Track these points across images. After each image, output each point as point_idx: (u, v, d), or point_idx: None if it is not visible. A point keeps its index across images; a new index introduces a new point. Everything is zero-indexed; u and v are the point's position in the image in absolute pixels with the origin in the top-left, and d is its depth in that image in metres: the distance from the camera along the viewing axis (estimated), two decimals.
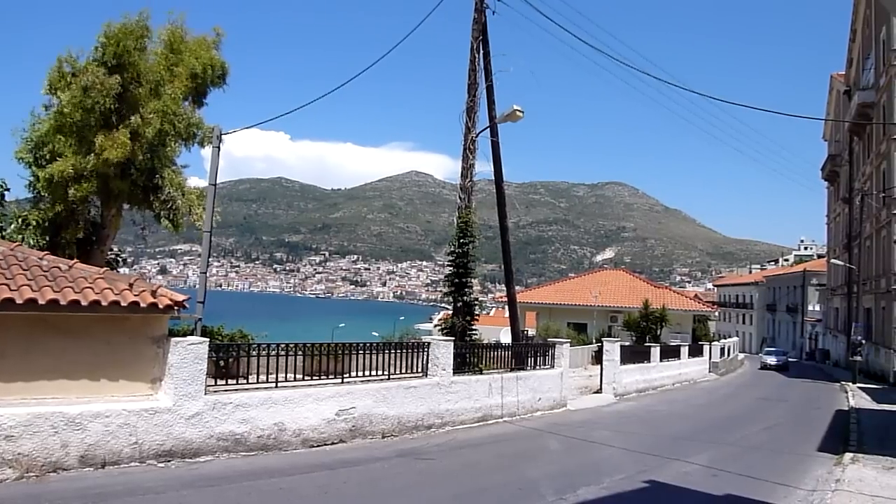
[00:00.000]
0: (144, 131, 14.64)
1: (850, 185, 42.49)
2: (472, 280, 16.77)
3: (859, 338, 31.13)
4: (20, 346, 7.67)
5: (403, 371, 11.91)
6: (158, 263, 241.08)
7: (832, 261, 47.70)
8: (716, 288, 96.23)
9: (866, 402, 21.63)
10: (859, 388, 26.79)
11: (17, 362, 7.62)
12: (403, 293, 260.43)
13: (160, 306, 8.45)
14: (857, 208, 38.58)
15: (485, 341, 16.43)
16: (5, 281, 7.65)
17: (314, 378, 10.58)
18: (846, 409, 19.88)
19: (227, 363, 9.88)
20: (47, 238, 15.01)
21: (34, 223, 14.84)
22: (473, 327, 16.59)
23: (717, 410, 19.19)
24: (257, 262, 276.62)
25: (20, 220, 14.82)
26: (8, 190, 15.44)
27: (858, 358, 30.45)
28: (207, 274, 13.65)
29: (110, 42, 14.66)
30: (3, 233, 14.05)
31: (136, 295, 8.33)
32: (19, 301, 7.42)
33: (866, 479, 9.57)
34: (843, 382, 29.14)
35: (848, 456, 11.34)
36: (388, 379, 11.48)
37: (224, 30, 17.37)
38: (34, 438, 7.19)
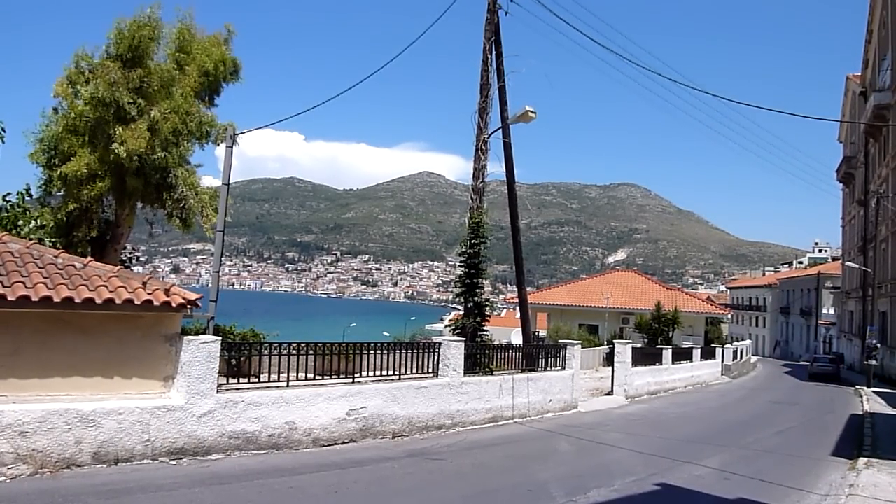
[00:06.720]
0: (162, 126, 14.71)
1: (865, 187, 42.06)
2: (484, 281, 16.75)
3: (874, 341, 30.79)
4: (35, 343, 7.75)
5: (414, 371, 11.91)
6: (171, 262, 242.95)
7: (847, 263, 47.24)
8: (729, 290, 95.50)
9: (881, 407, 21.40)
10: (874, 392, 26.53)
11: (32, 359, 7.70)
12: (414, 293, 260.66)
13: (173, 305, 8.51)
14: (872, 211, 38.14)
15: (496, 342, 16.40)
16: (21, 279, 7.74)
17: (325, 378, 10.62)
18: (860, 413, 19.67)
19: (239, 362, 9.93)
20: (62, 237, 15.15)
21: (49, 222, 14.98)
22: (484, 328, 16.57)
23: (730, 413, 19.05)
24: (269, 262, 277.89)
25: (35, 219, 14.97)
26: (31, 196, 15.63)
27: (873, 362, 30.11)
28: (220, 273, 13.73)
29: (125, 36, 14.71)
30: (20, 232, 14.19)
31: (149, 293, 8.39)
32: (35, 299, 7.49)
33: (881, 484, 9.46)
34: (858, 386, 28.84)
35: (862, 461, 11.20)
36: (399, 379, 11.49)
37: (236, 28, 17.36)
38: (48, 435, 7.27)
